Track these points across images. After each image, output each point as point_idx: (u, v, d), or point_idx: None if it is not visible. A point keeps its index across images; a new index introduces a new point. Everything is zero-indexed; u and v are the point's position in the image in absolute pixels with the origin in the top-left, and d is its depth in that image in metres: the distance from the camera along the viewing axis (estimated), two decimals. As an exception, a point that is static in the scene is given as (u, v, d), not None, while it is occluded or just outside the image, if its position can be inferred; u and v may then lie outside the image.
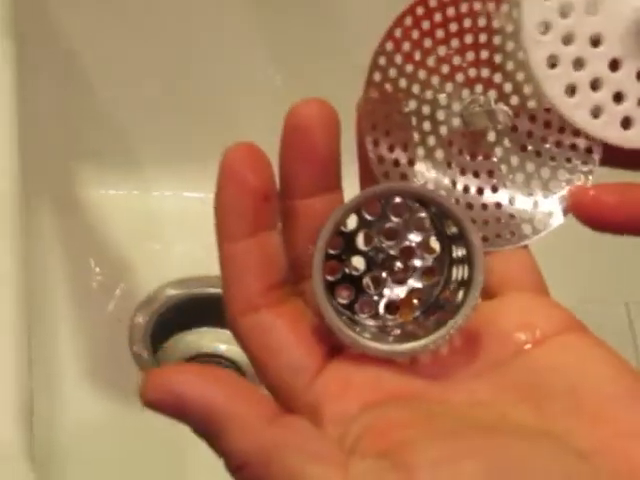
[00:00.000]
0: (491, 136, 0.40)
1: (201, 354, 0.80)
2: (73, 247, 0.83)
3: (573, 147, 0.41)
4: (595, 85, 0.40)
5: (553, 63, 0.40)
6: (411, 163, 0.39)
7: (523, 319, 0.37)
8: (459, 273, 0.38)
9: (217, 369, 0.34)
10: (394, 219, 0.38)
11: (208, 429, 0.33)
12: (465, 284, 0.37)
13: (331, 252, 0.37)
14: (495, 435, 0.33)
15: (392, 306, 0.39)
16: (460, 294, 0.37)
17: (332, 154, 0.37)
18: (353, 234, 0.38)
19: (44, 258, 0.81)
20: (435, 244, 0.39)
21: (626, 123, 0.41)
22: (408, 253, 0.39)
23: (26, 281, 0.59)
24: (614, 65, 0.40)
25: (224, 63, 0.85)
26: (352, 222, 0.38)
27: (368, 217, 0.38)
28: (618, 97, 0.41)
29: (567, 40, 0.40)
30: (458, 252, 0.38)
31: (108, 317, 0.82)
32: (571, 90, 0.40)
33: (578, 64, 0.40)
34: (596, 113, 0.40)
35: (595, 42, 0.40)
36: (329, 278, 0.37)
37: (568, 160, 0.41)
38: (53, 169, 0.85)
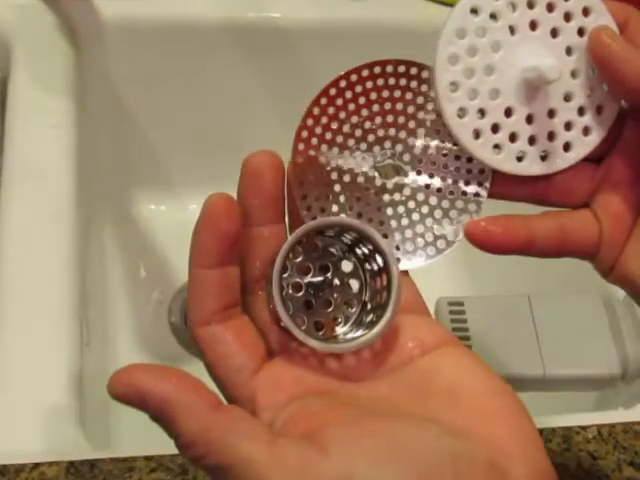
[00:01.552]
0: (400, 180, 0.43)
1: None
2: (127, 250, 0.93)
3: (467, 183, 0.44)
4: (495, 129, 0.43)
5: (462, 114, 0.42)
6: (334, 208, 0.42)
7: (414, 335, 0.40)
8: (377, 298, 0.41)
9: (170, 368, 0.36)
10: (323, 252, 0.42)
11: (162, 416, 0.35)
12: (382, 306, 0.40)
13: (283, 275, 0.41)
14: (391, 420, 0.36)
15: (319, 324, 0.42)
16: (384, 297, 0.40)
17: (278, 193, 0.40)
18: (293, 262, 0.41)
19: (105, 259, 0.91)
20: (355, 281, 0.42)
21: (520, 157, 0.43)
22: (333, 285, 0.42)
23: (80, 280, 0.68)
24: (508, 112, 0.43)
25: (237, 112, 0.95)
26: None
27: (304, 251, 0.41)
28: (513, 137, 0.43)
29: (472, 95, 0.42)
30: (375, 272, 0.41)
31: (153, 301, 0.92)
32: (477, 134, 0.43)
33: (481, 113, 0.43)
34: (497, 150, 0.43)
35: (493, 96, 0.43)
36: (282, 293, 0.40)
37: (463, 193, 0.44)
38: (112, 192, 0.96)
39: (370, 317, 0.41)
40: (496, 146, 0.43)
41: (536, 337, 0.69)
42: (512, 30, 0.42)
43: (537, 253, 0.44)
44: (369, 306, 0.42)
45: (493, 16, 0.42)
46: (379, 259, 0.40)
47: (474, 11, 0.42)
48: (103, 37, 0.87)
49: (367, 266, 0.42)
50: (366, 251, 0.41)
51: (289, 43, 0.91)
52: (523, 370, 0.68)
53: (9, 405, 0.59)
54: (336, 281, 0.42)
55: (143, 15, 0.87)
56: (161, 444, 0.57)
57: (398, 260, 0.42)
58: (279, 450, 0.34)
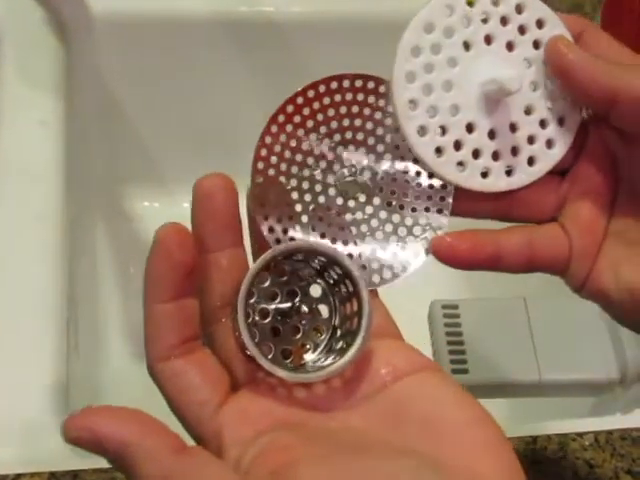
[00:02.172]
0: (362, 198, 0.43)
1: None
2: (120, 248, 0.93)
3: (429, 198, 0.43)
4: (457, 146, 0.42)
5: (423, 132, 0.42)
6: (297, 229, 0.41)
7: (387, 360, 0.39)
8: (348, 324, 0.40)
9: (129, 409, 0.35)
10: (291, 278, 0.41)
11: (122, 460, 0.34)
12: (353, 332, 0.39)
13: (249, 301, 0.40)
14: (365, 456, 0.35)
15: (287, 352, 0.41)
16: (355, 324, 0.39)
17: (232, 215, 0.39)
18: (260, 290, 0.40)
19: (97, 257, 0.91)
20: (324, 306, 0.41)
21: (484, 173, 0.43)
22: (302, 312, 0.41)
23: (66, 281, 0.68)
24: (470, 128, 0.42)
25: (230, 107, 0.94)
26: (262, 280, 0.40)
27: (271, 278, 0.40)
28: (476, 153, 0.43)
29: (432, 112, 0.42)
30: (345, 297, 0.40)
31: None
32: (439, 152, 0.42)
33: (442, 130, 0.42)
34: (461, 168, 0.42)
35: (453, 112, 0.42)
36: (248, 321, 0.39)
37: (427, 209, 0.43)
38: (104, 189, 0.94)
39: (340, 344, 0.40)
40: (460, 163, 0.43)
41: (532, 341, 0.68)
42: (467, 45, 0.42)
43: (504, 269, 0.43)
44: (339, 332, 0.41)
45: (448, 32, 0.42)
46: (349, 284, 0.40)
47: (428, 28, 0.42)
48: (93, 32, 0.87)
49: (337, 291, 0.41)
50: (335, 276, 0.41)
51: (282, 37, 0.91)
52: (518, 375, 0.67)
53: (-11, 413, 0.59)
54: (304, 307, 0.41)
55: (133, 10, 0.87)
56: None
57: (366, 281, 0.41)
58: None
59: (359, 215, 0.43)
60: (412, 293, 0.81)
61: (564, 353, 0.67)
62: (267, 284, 0.41)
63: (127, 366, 0.85)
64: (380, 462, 0.34)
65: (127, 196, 0.98)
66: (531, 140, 0.44)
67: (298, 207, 0.42)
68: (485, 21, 0.42)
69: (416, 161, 0.43)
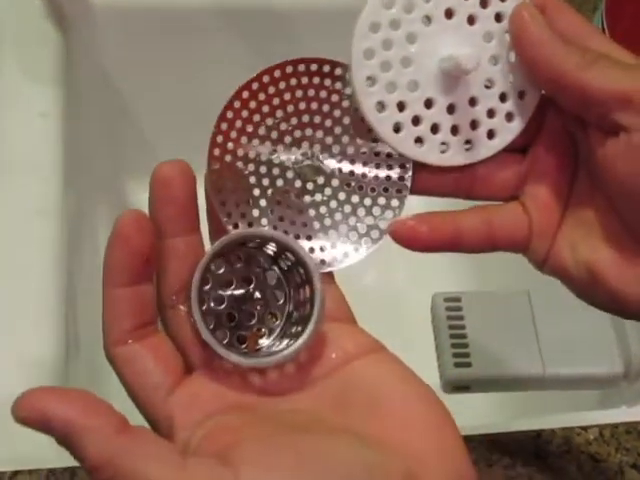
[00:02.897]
0: (320, 180, 0.43)
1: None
2: None
3: (388, 178, 0.43)
4: (416, 121, 0.42)
5: (381, 108, 0.42)
6: (255, 213, 0.42)
7: (337, 344, 0.40)
8: (301, 310, 0.41)
9: (76, 390, 0.36)
10: (244, 265, 0.42)
11: (67, 439, 0.35)
12: (306, 318, 0.40)
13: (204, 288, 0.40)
14: (307, 434, 0.36)
15: (242, 337, 0.42)
16: (307, 309, 0.40)
17: (190, 201, 0.40)
18: (217, 277, 0.41)
19: (99, 251, 0.82)
20: (279, 292, 0.42)
21: (443, 148, 0.43)
22: (256, 298, 0.42)
23: (66, 276, 0.68)
24: (429, 104, 0.42)
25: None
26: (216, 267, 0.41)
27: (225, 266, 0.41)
28: (435, 128, 0.43)
29: (390, 89, 0.42)
30: (299, 284, 0.41)
31: None
32: (397, 128, 0.42)
33: (401, 106, 0.42)
34: (419, 144, 0.43)
35: (412, 88, 0.42)
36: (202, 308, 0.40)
37: (385, 189, 0.44)
38: (106, 181, 0.94)
39: (294, 328, 0.41)
40: (418, 139, 0.43)
41: (536, 334, 0.68)
42: (428, 20, 0.42)
43: (465, 249, 0.44)
44: (293, 317, 0.42)
45: (408, 7, 0.42)
46: (302, 271, 0.40)
47: (388, 4, 0.41)
48: (93, 22, 0.86)
49: (291, 278, 0.42)
50: (289, 263, 0.41)
51: (285, 25, 0.90)
52: (522, 369, 0.67)
53: (-13, 410, 0.58)
54: (259, 293, 0.42)
55: (133, -1, 0.86)
56: None
57: (322, 263, 0.42)
58: (188, 473, 0.34)
59: (318, 197, 0.43)
60: (415, 286, 0.82)
61: (568, 347, 0.67)
62: (222, 271, 0.41)
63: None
64: (318, 439, 0.36)
65: (128, 189, 0.97)
66: (491, 114, 0.44)
67: (256, 191, 0.42)
68: None
69: (374, 141, 0.43)
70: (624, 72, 0.40)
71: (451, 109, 0.43)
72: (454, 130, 0.43)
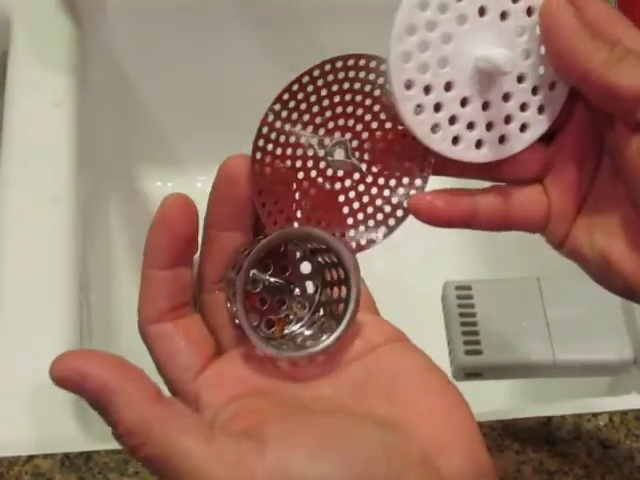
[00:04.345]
0: (350, 166, 0.44)
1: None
2: (133, 227, 0.92)
3: (412, 159, 0.44)
4: (452, 121, 0.43)
5: (419, 111, 0.42)
6: (292, 207, 0.43)
7: (361, 333, 0.41)
8: (333, 307, 0.42)
9: (113, 355, 0.37)
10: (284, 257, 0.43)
11: (101, 402, 0.35)
12: (338, 317, 0.41)
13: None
14: (328, 417, 0.38)
15: (270, 322, 0.43)
16: (340, 309, 0.41)
17: (248, 204, 0.40)
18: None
19: (110, 239, 0.91)
20: (311, 284, 0.43)
21: (478, 144, 0.44)
22: (290, 286, 0.43)
23: (79, 264, 0.68)
24: (464, 102, 0.43)
25: (244, 85, 0.93)
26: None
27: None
28: (470, 126, 0.43)
29: (427, 90, 0.42)
30: (334, 282, 0.42)
31: None
32: (435, 128, 0.43)
33: (437, 107, 0.43)
34: (455, 141, 0.43)
35: (448, 88, 0.43)
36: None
37: (409, 170, 0.45)
38: (118, 170, 0.95)
39: (324, 321, 0.42)
40: (455, 138, 0.43)
41: (546, 321, 0.68)
42: (462, 20, 0.42)
43: (480, 225, 0.44)
44: (322, 310, 0.43)
45: (442, 8, 0.42)
46: (341, 272, 0.42)
47: (423, 5, 0.41)
48: (106, 12, 0.87)
49: (326, 272, 0.43)
50: (328, 260, 0.42)
51: (295, 13, 0.90)
52: (532, 356, 0.67)
53: (3, 395, 0.59)
54: (292, 282, 0.43)
55: (146, -11, 0.86)
56: None
57: (352, 245, 0.43)
58: (217, 445, 0.35)
59: (347, 182, 0.44)
60: (425, 274, 0.82)
61: (578, 333, 0.67)
62: (263, 255, 0.42)
63: (140, 349, 0.84)
64: (340, 420, 0.37)
65: (140, 176, 0.98)
66: (523, 107, 0.44)
67: (293, 184, 0.43)
68: None
69: (401, 124, 0.44)
70: None
71: (486, 106, 0.44)
72: (489, 126, 0.44)
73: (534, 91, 0.44)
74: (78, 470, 0.55)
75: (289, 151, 0.43)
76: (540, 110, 0.44)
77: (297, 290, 0.43)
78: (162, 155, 0.98)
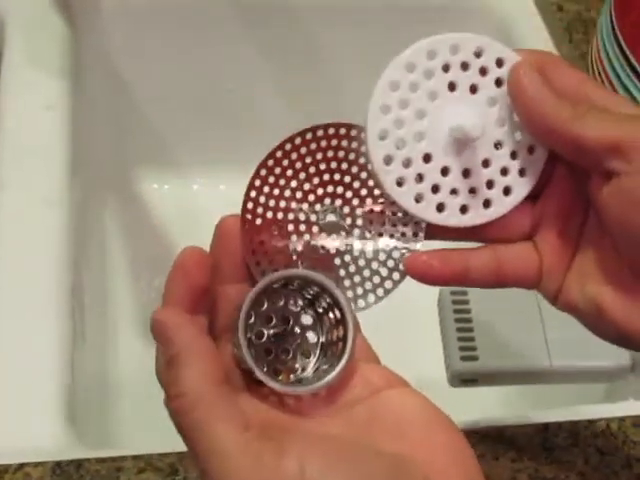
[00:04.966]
0: (343, 231, 0.46)
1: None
2: (128, 229, 0.93)
3: (405, 225, 0.46)
4: (435, 189, 0.45)
5: (401, 183, 0.44)
6: (286, 266, 0.44)
7: (365, 378, 0.43)
8: (333, 348, 0.44)
9: (200, 323, 0.41)
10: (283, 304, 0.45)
11: (180, 356, 0.38)
12: (337, 356, 0.43)
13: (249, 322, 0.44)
14: (342, 439, 0.40)
15: (277, 371, 0.44)
16: (340, 347, 0.43)
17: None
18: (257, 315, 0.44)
19: (106, 241, 0.91)
20: (313, 333, 0.45)
21: (463, 209, 0.45)
22: (293, 336, 0.45)
23: (73, 267, 0.68)
24: (445, 172, 0.45)
25: (240, 87, 0.94)
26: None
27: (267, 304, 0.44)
28: (454, 193, 0.45)
29: (407, 163, 0.44)
30: (333, 324, 0.44)
31: (156, 285, 0.91)
32: (418, 197, 0.45)
33: (419, 178, 0.45)
34: (440, 208, 0.45)
35: (427, 159, 0.45)
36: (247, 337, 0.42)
37: (403, 234, 0.46)
38: (113, 172, 0.95)
39: (325, 367, 0.44)
40: (439, 205, 0.45)
41: (542, 327, 0.68)
42: (433, 96, 0.44)
43: (473, 283, 0.46)
44: (325, 355, 0.45)
45: (412, 87, 0.44)
46: (337, 312, 0.43)
47: (394, 86, 0.44)
48: (100, 12, 0.87)
49: (325, 319, 0.45)
50: (325, 304, 0.44)
51: (290, 14, 0.91)
52: (529, 362, 0.67)
53: (-6, 402, 0.58)
54: (295, 331, 0.45)
55: (140, -10, 0.86)
56: (150, 442, 0.57)
57: (351, 307, 0.44)
58: (247, 437, 0.37)
59: (342, 247, 0.46)
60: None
61: (575, 340, 0.66)
62: (264, 308, 0.44)
63: (135, 351, 0.85)
64: (355, 443, 0.40)
65: (137, 179, 0.98)
66: (504, 172, 0.46)
67: (285, 246, 0.45)
68: (446, 69, 0.44)
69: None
70: (613, 122, 0.42)
71: (467, 173, 0.45)
72: (472, 192, 0.46)
73: (513, 155, 0.46)
74: (69, 478, 0.54)
75: (280, 215, 0.45)
76: (521, 173, 0.46)
77: (299, 340, 0.45)
78: (158, 157, 0.99)
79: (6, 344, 0.62)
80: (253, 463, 0.37)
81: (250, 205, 0.44)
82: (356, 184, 0.46)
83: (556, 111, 0.43)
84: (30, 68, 0.78)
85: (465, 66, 0.45)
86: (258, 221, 0.44)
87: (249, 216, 0.44)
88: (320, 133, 0.45)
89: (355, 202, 0.46)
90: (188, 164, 0.99)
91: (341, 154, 0.46)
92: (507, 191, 0.46)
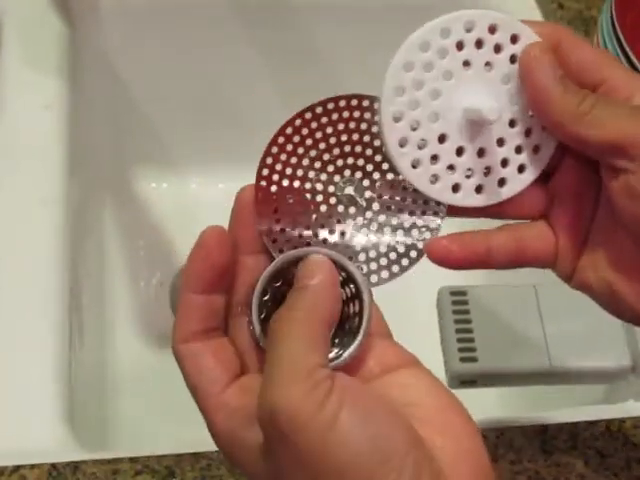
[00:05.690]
0: (362, 204, 0.45)
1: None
2: (127, 228, 0.93)
3: (426, 202, 0.46)
4: (450, 169, 0.45)
5: (416, 165, 0.44)
6: (300, 238, 0.44)
7: (378, 357, 0.43)
8: (349, 323, 0.43)
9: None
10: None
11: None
12: (353, 331, 0.43)
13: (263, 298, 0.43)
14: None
15: None
16: (356, 323, 0.43)
17: None
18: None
19: (104, 241, 0.91)
20: None
21: (479, 189, 0.45)
22: None
23: (70, 267, 0.68)
24: (460, 152, 0.45)
25: (237, 86, 0.94)
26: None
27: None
28: (469, 173, 0.45)
29: (422, 145, 0.44)
30: (349, 298, 0.44)
31: (154, 283, 0.92)
32: (434, 179, 0.45)
33: (434, 159, 0.44)
34: (455, 189, 0.45)
35: (442, 140, 0.44)
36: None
37: (423, 212, 0.46)
38: (111, 171, 0.95)
39: (342, 340, 0.43)
40: (455, 186, 0.45)
41: (542, 328, 0.67)
42: (448, 75, 0.44)
43: (495, 265, 0.47)
44: (341, 330, 0.43)
45: (427, 67, 0.44)
46: (352, 287, 0.43)
47: (408, 67, 0.43)
48: (98, 14, 0.87)
49: (341, 293, 0.43)
50: (340, 279, 0.43)
51: (289, 15, 0.91)
52: (528, 363, 0.66)
53: (-10, 404, 0.58)
54: None
55: (139, -10, 0.86)
56: (148, 444, 0.56)
57: (366, 283, 0.44)
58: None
59: (359, 220, 0.45)
60: (421, 279, 0.81)
61: (575, 341, 0.66)
62: (279, 284, 0.44)
63: (133, 351, 0.85)
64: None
65: (135, 178, 0.98)
66: (518, 150, 0.46)
67: (301, 217, 0.45)
68: (460, 48, 0.44)
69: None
70: (618, 118, 0.42)
71: (481, 152, 0.45)
72: (487, 171, 0.45)
73: (527, 133, 0.45)
74: (65, 481, 0.54)
75: (296, 183, 0.44)
76: (535, 150, 0.46)
77: None
78: (156, 156, 0.98)
79: (3, 344, 0.61)
80: (305, 392, 0.37)
81: (265, 172, 0.44)
82: (377, 157, 0.45)
83: (561, 106, 0.43)
84: (28, 68, 0.78)
85: (479, 43, 0.44)
86: (273, 188, 0.44)
87: (264, 183, 0.44)
88: (343, 104, 0.44)
89: (376, 176, 0.45)
90: (186, 163, 0.98)
91: (364, 126, 0.45)
92: (522, 169, 0.46)
